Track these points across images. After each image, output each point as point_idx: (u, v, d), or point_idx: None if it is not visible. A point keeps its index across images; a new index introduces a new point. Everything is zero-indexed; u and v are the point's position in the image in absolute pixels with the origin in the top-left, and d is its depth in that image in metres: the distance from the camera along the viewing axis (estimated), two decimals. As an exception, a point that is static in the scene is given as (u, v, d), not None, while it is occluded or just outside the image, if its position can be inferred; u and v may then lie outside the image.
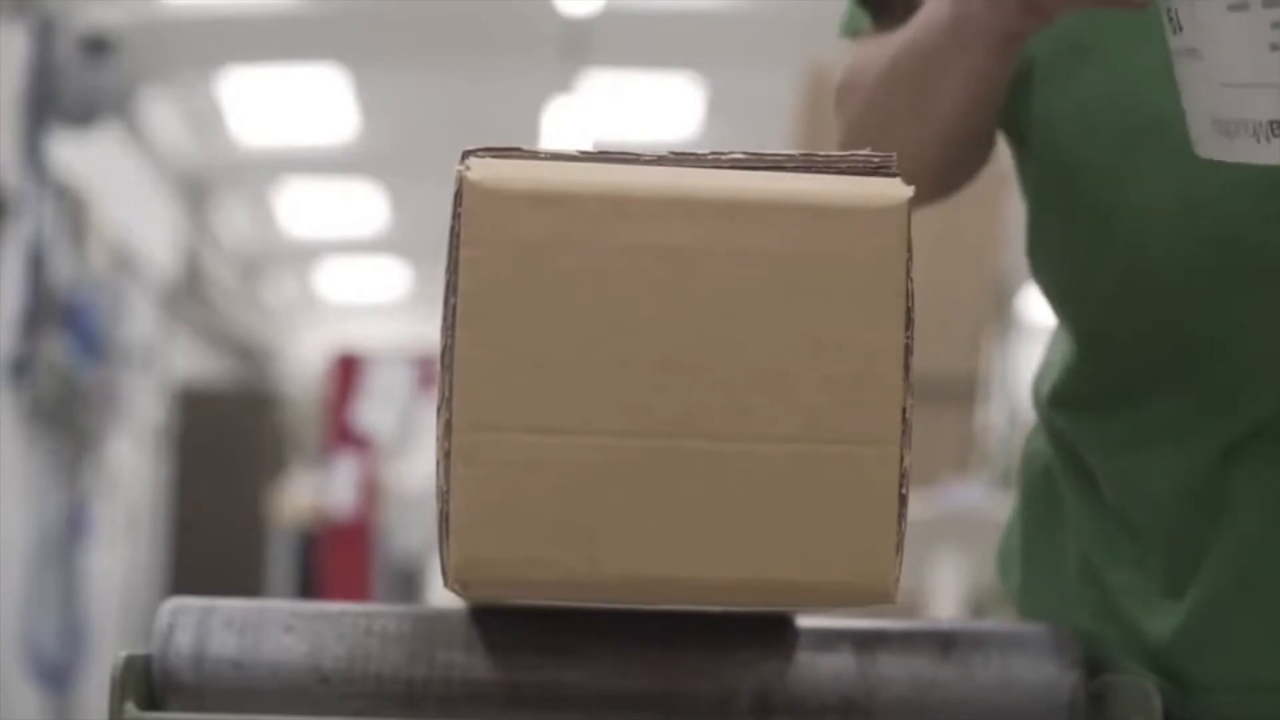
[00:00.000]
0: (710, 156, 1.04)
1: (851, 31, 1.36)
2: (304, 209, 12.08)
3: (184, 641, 1.18)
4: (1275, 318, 1.16)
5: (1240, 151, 1.01)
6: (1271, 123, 0.99)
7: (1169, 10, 1.02)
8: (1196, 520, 1.20)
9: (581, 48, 8.09)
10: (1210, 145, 1.03)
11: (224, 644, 1.18)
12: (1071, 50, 1.21)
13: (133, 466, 8.85)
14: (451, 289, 1.02)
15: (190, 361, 10.57)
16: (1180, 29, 1.02)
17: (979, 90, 1.19)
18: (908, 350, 1.03)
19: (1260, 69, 0.98)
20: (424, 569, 8.74)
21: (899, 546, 1.03)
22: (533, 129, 9.50)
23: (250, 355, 12.77)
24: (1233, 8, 0.99)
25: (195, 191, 10.51)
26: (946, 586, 3.97)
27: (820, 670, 1.19)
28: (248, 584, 9.36)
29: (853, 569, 1.03)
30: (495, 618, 1.19)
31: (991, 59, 1.17)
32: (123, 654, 1.16)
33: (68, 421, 7.18)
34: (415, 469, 8.53)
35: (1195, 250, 1.18)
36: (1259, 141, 1.00)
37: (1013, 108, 1.26)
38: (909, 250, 1.03)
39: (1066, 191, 1.23)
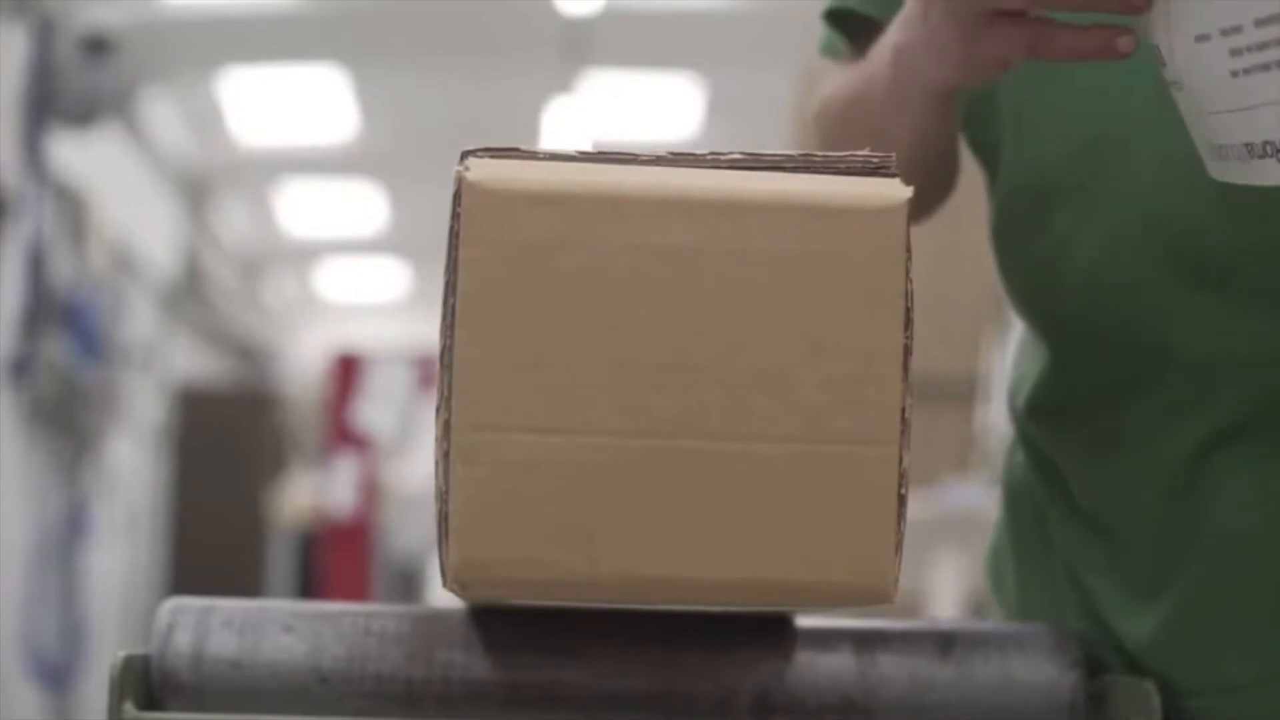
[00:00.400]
0: (709, 156, 1.04)
1: (831, 53, 1.36)
2: (304, 209, 12.08)
3: (183, 641, 1.18)
4: (1238, 321, 1.17)
5: (1231, 173, 1.03)
6: (1245, 145, 1.01)
7: (1154, 45, 1.04)
8: (1171, 523, 1.21)
9: (581, 48, 8.09)
10: (1213, 168, 1.05)
11: (223, 644, 1.18)
12: (1037, 66, 1.21)
13: (133, 466, 8.86)
14: (451, 289, 1.02)
15: (190, 361, 10.57)
16: (1164, 63, 1.04)
17: (925, 138, 1.20)
18: (907, 350, 1.03)
19: (1226, 96, 1.00)
20: (424, 569, 8.75)
21: (899, 546, 1.03)
22: (533, 129, 9.50)
23: (250, 355, 12.78)
24: (1199, 39, 1.01)
25: (195, 191, 10.52)
26: (946, 586, 3.97)
27: (820, 670, 1.19)
28: (248, 584, 9.36)
29: (852, 569, 1.03)
30: (494, 618, 1.19)
31: (930, 114, 1.17)
32: (121, 654, 1.16)
33: (68, 421, 7.18)
34: (415, 469, 8.53)
35: (1158, 258, 1.18)
36: (1241, 163, 1.01)
37: (980, 125, 1.27)
38: (909, 250, 1.03)
39: (1031, 203, 1.23)
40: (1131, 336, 1.20)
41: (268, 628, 1.18)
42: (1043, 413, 1.30)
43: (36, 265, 6.63)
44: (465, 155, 1.03)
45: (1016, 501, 1.37)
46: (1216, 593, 1.19)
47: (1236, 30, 0.99)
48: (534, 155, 1.03)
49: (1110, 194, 1.19)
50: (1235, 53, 1.00)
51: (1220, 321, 1.17)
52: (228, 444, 10.00)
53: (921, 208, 1.29)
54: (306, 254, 13.84)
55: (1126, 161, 1.18)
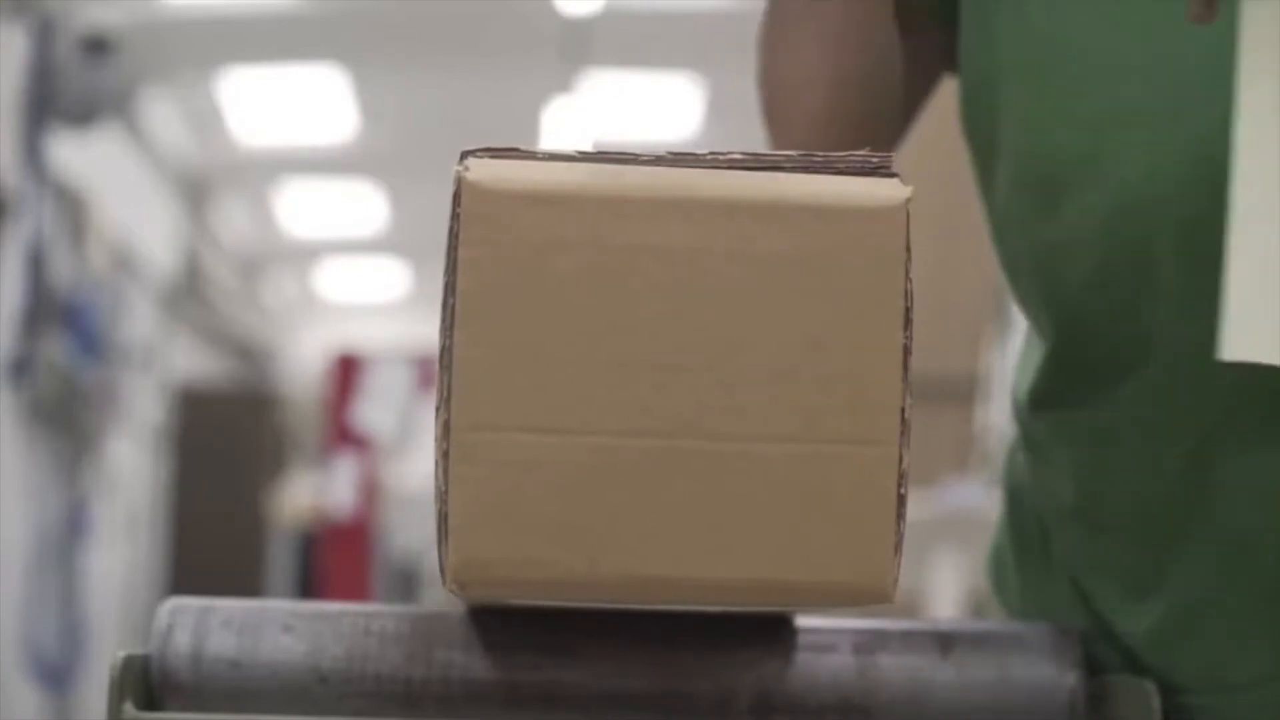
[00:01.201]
0: (709, 156, 1.04)
1: None
2: (304, 209, 12.09)
3: (182, 641, 1.18)
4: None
5: None
6: None
7: None
8: (1167, 518, 1.20)
9: (581, 48, 8.09)
10: None
11: (222, 644, 1.18)
12: (1043, 48, 1.21)
13: (133, 466, 8.86)
14: (450, 289, 1.02)
15: (190, 361, 10.58)
16: None
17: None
18: (907, 350, 1.03)
19: None
20: (424, 569, 8.75)
21: (898, 546, 1.03)
22: (533, 129, 9.51)
23: (250, 355, 12.78)
24: None
25: (195, 191, 10.52)
26: (946, 586, 3.97)
27: (819, 670, 1.19)
28: (248, 584, 9.37)
29: (852, 569, 1.03)
30: (494, 618, 1.18)
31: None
32: (121, 654, 1.15)
33: (68, 421, 7.18)
34: (415, 469, 8.53)
35: (1159, 240, 1.18)
36: None
37: (981, 113, 1.27)
38: (909, 250, 1.03)
39: (1037, 191, 1.23)
40: (1131, 323, 1.20)
41: (267, 628, 1.18)
42: (1043, 406, 1.29)
43: (36, 265, 6.63)
44: (465, 155, 1.03)
45: (1017, 501, 1.37)
46: (1214, 590, 1.19)
47: None
48: (534, 155, 1.03)
49: (1114, 177, 1.19)
50: None
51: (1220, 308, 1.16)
52: (228, 444, 10.01)
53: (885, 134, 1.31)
54: (306, 254, 13.85)
55: (1130, 145, 1.18)
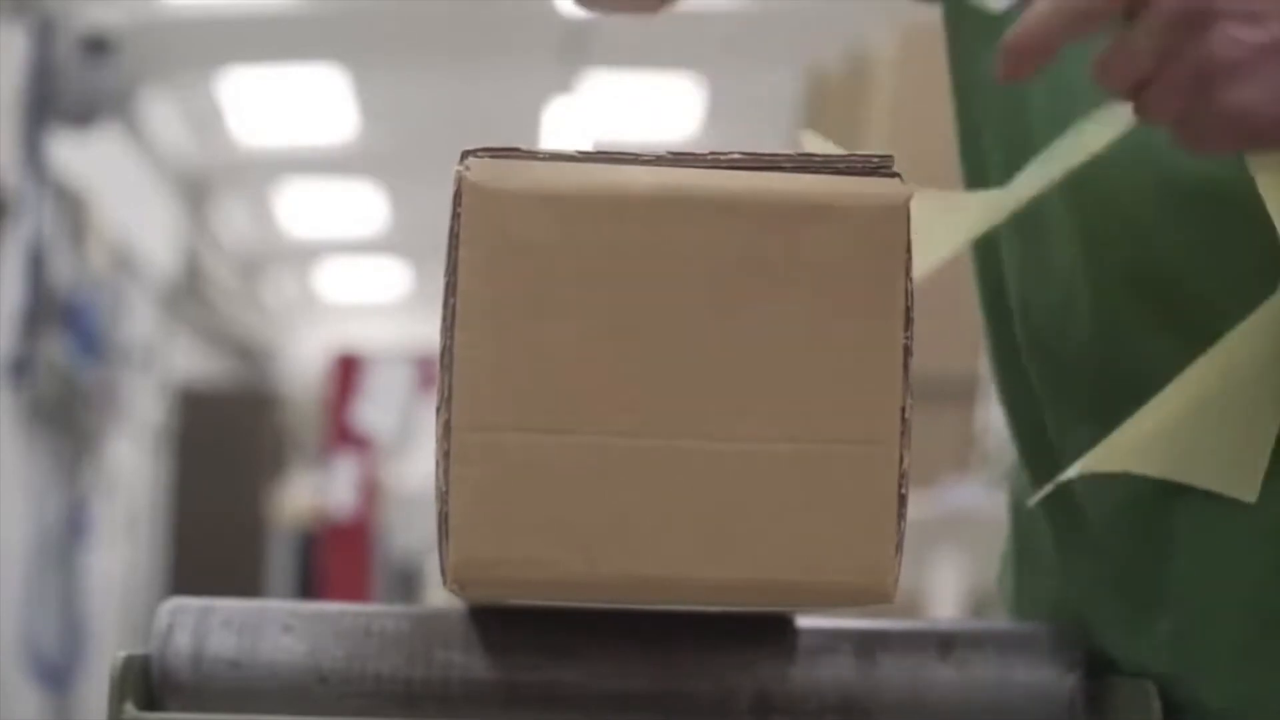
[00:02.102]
0: (709, 156, 1.04)
1: None
2: (304, 209, 12.09)
3: (182, 642, 1.18)
4: (1193, 334, 1.15)
5: None
6: None
7: None
8: (1149, 547, 1.19)
9: (581, 48, 8.10)
10: None
11: (222, 644, 1.18)
12: (1004, 103, 1.22)
13: (133, 466, 8.86)
14: (450, 289, 1.02)
15: (190, 361, 10.58)
16: None
17: None
18: (907, 350, 1.03)
19: None
20: (424, 569, 8.75)
21: (899, 546, 1.03)
22: (533, 129, 9.51)
23: (250, 355, 12.79)
24: None
25: (195, 191, 10.52)
26: (946, 586, 3.97)
27: (820, 670, 1.19)
28: (248, 584, 9.37)
29: (852, 569, 1.03)
30: (494, 618, 1.18)
31: None
32: (121, 654, 1.16)
33: (68, 421, 7.19)
34: (415, 469, 8.53)
35: (1124, 284, 1.17)
36: None
37: (973, 158, 1.27)
38: (909, 250, 1.03)
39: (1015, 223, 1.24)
40: (1092, 359, 1.20)
41: (267, 628, 1.18)
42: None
43: (36, 265, 6.63)
44: (465, 155, 1.03)
45: (1019, 514, 1.36)
46: (1200, 616, 1.18)
47: None
48: (534, 155, 1.03)
49: (1073, 218, 1.19)
50: None
51: (1180, 352, 1.15)
52: (228, 444, 10.01)
53: None
54: (306, 254, 13.86)
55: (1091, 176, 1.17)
